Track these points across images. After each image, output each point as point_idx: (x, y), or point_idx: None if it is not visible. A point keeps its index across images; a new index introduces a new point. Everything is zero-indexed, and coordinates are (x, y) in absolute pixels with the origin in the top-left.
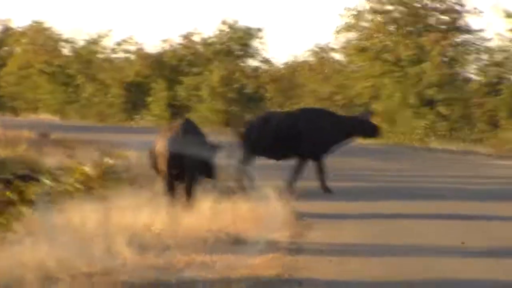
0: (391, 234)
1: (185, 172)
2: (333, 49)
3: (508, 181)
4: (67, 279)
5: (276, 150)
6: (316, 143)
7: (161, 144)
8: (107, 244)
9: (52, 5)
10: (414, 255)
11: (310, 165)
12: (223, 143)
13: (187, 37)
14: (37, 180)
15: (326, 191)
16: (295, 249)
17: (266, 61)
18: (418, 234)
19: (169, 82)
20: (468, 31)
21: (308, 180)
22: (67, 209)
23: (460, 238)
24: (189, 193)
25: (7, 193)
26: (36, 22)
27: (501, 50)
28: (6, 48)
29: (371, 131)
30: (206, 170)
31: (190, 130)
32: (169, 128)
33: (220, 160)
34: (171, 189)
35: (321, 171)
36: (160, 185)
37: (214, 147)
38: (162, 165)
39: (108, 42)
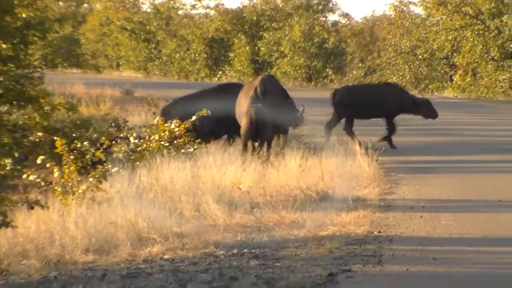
0: (479, 189)
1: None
2: (412, 3)
3: None
4: (159, 240)
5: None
6: None
7: (244, 105)
8: (196, 203)
9: None
10: (503, 211)
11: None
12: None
13: None
14: (124, 139)
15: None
16: (384, 206)
17: (345, 15)
18: (505, 189)
19: (250, 38)
20: None
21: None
22: (155, 167)
23: None
24: (269, 149)
25: (97, 153)
26: None
27: None
28: (85, 5)
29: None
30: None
31: (271, 88)
32: (250, 87)
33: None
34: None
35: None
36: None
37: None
38: (246, 124)
39: None
